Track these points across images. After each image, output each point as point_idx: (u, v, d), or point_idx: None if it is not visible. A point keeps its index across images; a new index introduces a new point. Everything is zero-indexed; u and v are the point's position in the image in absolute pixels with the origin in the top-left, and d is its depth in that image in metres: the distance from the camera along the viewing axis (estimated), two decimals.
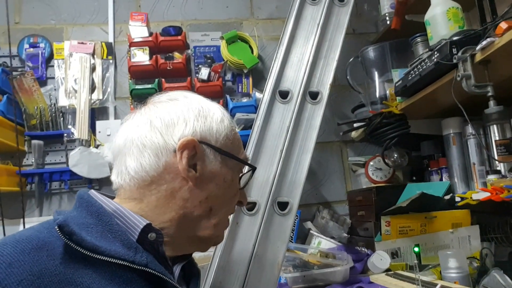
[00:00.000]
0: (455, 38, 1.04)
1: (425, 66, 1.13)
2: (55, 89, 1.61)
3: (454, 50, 1.01)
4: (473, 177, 1.25)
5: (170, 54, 1.64)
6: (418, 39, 1.36)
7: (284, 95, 1.09)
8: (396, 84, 1.32)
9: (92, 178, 1.54)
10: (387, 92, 1.44)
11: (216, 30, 1.76)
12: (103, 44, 1.67)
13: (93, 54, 1.64)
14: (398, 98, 1.36)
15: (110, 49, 1.68)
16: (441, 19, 1.15)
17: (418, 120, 1.46)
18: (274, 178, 1.00)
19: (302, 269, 1.18)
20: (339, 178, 1.74)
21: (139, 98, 1.60)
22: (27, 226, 1.24)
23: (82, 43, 1.65)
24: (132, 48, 1.62)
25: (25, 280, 0.43)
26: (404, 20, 1.43)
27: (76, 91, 1.58)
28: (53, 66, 1.63)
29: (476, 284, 1.03)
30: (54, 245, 0.49)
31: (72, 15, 1.71)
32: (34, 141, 1.52)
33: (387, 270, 1.18)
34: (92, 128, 1.58)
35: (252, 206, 0.98)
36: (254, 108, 1.58)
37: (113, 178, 0.61)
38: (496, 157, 1.05)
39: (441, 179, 1.41)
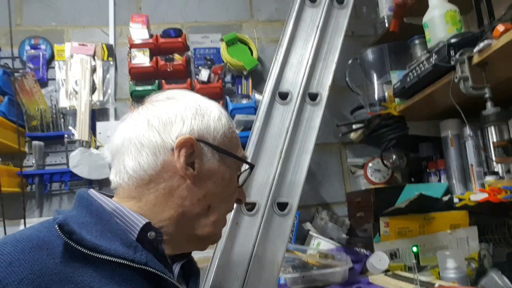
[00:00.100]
0: (452, 41, 1.05)
1: (423, 68, 1.14)
2: (55, 91, 1.61)
3: (452, 52, 1.02)
4: (471, 179, 1.26)
5: (170, 56, 1.65)
6: (416, 41, 1.37)
7: (284, 96, 1.09)
8: (395, 86, 1.33)
9: (93, 179, 1.54)
10: (386, 93, 1.45)
11: (216, 32, 1.77)
12: (104, 45, 1.68)
13: (93, 56, 1.65)
14: (397, 99, 1.37)
15: (110, 51, 1.69)
16: (439, 21, 1.16)
17: (416, 122, 1.47)
18: (273, 179, 1.01)
19: (302, 270, 1.18)
20: (338, 179, 1.74)
21: (139, 100, 1.60)
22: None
23: (83, 44, 1.66)
24: (132, 50, 1.63)
25: (26, 279, 0.44)
26: (403, 22, 1.44)
27: (76, 93, 1.59)
28: (54, 67, 1.64)
29: (474, 285, 1.03)
30: (54, 244, 0.49)
31: (73, 17, 1.72)
32: (34, 142, 1.53)
33: (386, 271, 1.18)
34: (93, 129, 1.59)
35: (251, 206, 0.98)
36: (254, 109, 1.59)
37: (112, 177, 0.62)
38: (493, 158, 1.06)
39: (439, 181, 1.41)
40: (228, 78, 1.72)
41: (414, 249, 1.15)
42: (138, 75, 1.65)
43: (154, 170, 0.58)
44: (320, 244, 1.45)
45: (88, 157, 1.52)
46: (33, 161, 1.53)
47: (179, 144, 0.58)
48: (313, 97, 1.10)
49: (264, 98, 1.09)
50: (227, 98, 1.66)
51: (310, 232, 1.52)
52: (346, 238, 1.54)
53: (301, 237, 1.55)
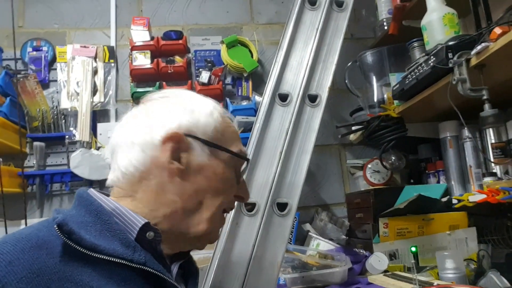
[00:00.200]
0: (451, 43, 1.06)
1: (421, 70, 1.15)
2: (57, 92, 1.63)
3: (450, 55, 1.03)
4: (469, 180, 1.27)
5: (171, 58, 1.66)
6: (415, 44, 1.38)
7: (284, 98, 1.10)
8: (394, 88, 1.34)
9: (93, 180, 1.55)
10: (385, 95, 1.46)
11: (216, 34, 1.78)
12: (105, 47, 1.69)
13: (95, 58, 1.67)
14: (396, 101, 1.38)
15: (112, 53, 1.70)
16: (437, 24, 1.17)
17: (415, 124, 1.48)
18: (273, 179, 1.01)
19: (301, 270, 1.19)
20: (338, 180, 1.75)
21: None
22: None
23: (85, 46, 1.67)
24: (133, 52, 1.64)
25: (25, 278, 0.44)
26: (402, 25, 1.45)
27: (78, 94, 1.60)
28: (55, 69, 1.65)
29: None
30: (54, 243, 0.49)
31: (75, 19, 1.74)
32: (36, 143, 1.54)
33: (385, 271, 1.19)
34: (94, 130, 1.60)
35: (251, 207, 0.99)
36: (254, 111, 1.60)
37: (109, 176, 0.62)
38: (492, 160, 1.07)
39: (438, 182, 1.42)
40: (228, 80, 1.73)
41: (413, 249, 1.15)
42: (139, 77, 1.66)
43: (144, 166, 0.58)
44: (319, 245, 1.46)
45: (89, 158, 1.53)
46: (34, 162, 1.54)
47: (165, 139, 0.58)
48: (313, 98, 1.11)
49: (264, 99, 1.10)
50: (228, 99, 1.68)
51: (310, 233, 1.53)
52: (345, 239, 1.55)
53: (300, 238, 1.56)
